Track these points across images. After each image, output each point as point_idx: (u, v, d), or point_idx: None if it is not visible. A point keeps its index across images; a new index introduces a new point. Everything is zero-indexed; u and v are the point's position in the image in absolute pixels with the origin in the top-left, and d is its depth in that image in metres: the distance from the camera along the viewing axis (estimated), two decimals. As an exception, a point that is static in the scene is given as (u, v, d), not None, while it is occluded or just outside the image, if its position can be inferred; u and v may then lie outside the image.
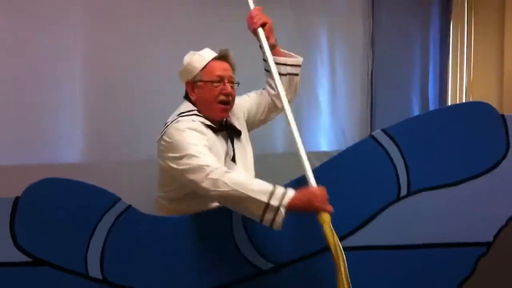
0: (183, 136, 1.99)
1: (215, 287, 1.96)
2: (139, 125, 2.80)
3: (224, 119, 2.20)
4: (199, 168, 1.88)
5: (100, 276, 1.89)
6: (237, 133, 2.21)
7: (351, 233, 2.01)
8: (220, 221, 1.97)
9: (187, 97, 2.21)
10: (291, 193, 1.83)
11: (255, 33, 2.21)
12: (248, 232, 1.97)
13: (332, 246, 1.82)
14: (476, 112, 2.09)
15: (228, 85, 2.14)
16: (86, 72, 2.78)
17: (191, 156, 1.93)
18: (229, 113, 2.23)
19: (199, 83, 2.15)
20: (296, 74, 2.36)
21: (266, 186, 1.84)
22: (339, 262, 1.81)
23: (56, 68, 2.72)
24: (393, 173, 2.04)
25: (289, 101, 2.23)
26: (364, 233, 1.99)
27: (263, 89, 2.40)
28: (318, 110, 3.37)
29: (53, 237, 1.87)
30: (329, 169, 2.01)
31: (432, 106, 3.87)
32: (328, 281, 2.00)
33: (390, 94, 3.67)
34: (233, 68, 2.21)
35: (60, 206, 1.88)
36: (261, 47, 2.23)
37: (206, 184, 1.86)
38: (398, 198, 2.03)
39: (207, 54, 2.18)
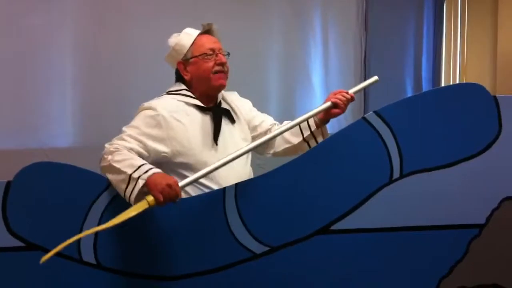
0: (138, 114, 2.08)
1: (209, 270, 1.96)
2: (131, 107, 2.77)
3: (219, 101, 2.19)
4: (116, 138, 1.99)
5: (94, 261, 1.90)
6: (231, 116, 2.20)
7: (343, 216, 2.01)
8: (214, 204, 1.97)
9: (179, 79, 2.20)
10: (158, 171, 1.85)
11: (333, 116, 2.16)
12: (242, 215, 1.97)
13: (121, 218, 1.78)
14: (468, 93, 2.09)
15: (221, 56, 2.14)
16: (77, 54, 2.75)
17: (122, 133, 2.02)
18: (227, 99, 2.22)
19: (192, 60, 2.14)
20: (309, 146, 2.24)
21: (138, 162, 1.88)
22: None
23: (46, 49, 2.69)
24: (385, 155, 2.03)
25: (280, 156, 2.28)
26: (356, 216, 1.99)
27: (276, 124, 2.33)
28: (312, 92, 3.36)
29: (46, 221, 1.87)
30: (320, 151, 2.01)
31: (425, 88, 3.87)
32: (322, 264, 2.02)
33: (383, 75, 3.65)
34: (219, 40, 2.21)
35: (53, 190, 1.88)
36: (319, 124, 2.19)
37: (103, 153, 1.95)
38: (391, 181, 2.03)
39: (191, 31, 2.18)
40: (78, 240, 1.87)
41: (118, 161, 1.87)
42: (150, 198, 1.79)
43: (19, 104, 2.66)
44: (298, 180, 2.00)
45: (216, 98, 2.20)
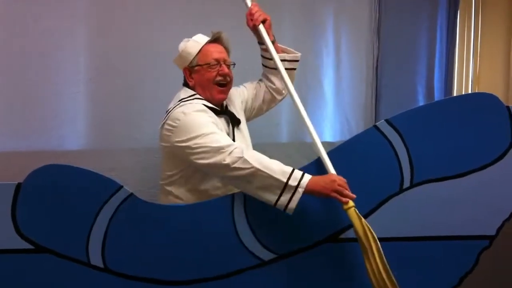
0: (191, 117, 2.02)
1: (216, 276, 1.96)
2: (144, 111, 2.78)
3: (225, 105, 2.21)
4: (218, 148, 1.92)
5: (101, 264, 1.90)
6: (236, 121, 2.22)
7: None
8: (222, 211, 1.97)
9: (186, 84, 2.23)
10: (308, 175, 1.88)
11: (255, 29, 2.23)
12: (250, 221, 1.97)
13: (360, 231, 1.86)
14: (481, 103, 2.07)
15: (224, 66, 2.17)
16: (89, 57, 2.76)
17: (205, 135, 1.96)
18: (228, 101, 2.24)
19: (196, 68, 2.17)
20: (293, 69, 2.37)
21: (285, 167, 1.89)
22: (371, 246, 1.84)
23: (57, 52, 2.70)
24: (396, 164, 2.03)
25: (285, 96, 2.38)
26: (366, 225, 1.98)
27: (260, 80, 2.44)
28: (323, 100, 3.34)
29: (55, 224, 1.88)
30: (331, 159, 2.00)
31: (437, 97, 3.83)
32: (330, 272, 2.01)
33: (395, 84, 3.64)
34: (227, 49, 2.24)
35: (62, 192, 1.89)
36: (259, 43, 2.29)
37: (227, 163, 1.89)
38: (401, 190, 2.02)
39: (200, 39, 2.20)
40: (87, 243, 1.87)
41: (265, 165, 1.87)
42: (348, 204, 1.87)
43: (31, 106, 2.66)
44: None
45: (222, 103, 2.23)
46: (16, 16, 2.62)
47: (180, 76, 2.26)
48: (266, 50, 2.22)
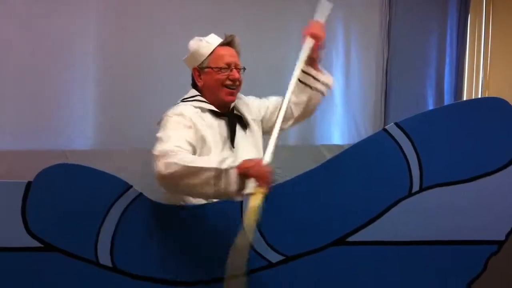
0: (167, 121, 2.04)
1: (224, 278, 1.96)
2: (152, 111, 2.79)
3: (231, 107, 2.21)
4: (160, 153, 1.88)
5: (110, 264, 1.90)
6: (244, 124, 2.22)
7: (361, 227, 1.99)
8: (231, 211, 1.97)
9: (194, 85, 2.23)
10: (239, 160, 1.82)
11: (319, 41, 2.19)
12: (258, 223, 1.97)
13: (250, 219, 1.77)
14: (491, 107, 2.06)
15: (235, 71, 2.17)
16: (98, 57, 2.78)
17: (159, 140, 1.96)
18: (241, 104, 2.24)
19: (206, 70, 2.17)
20: (322, 94, 2.34)
21: (216, 158, 1.86)
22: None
23: (67, 52, 2.71)
24: (405, 168, 2.02)
25: (303, 118, 2.35)
26: (374, 228, 1.97)
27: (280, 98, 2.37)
28: (332, 103, 3.35)
29: (64, 223, 1.89)
30: (340, 162, 1.99)
31: (447, 101, 3.83)
32: (337, 275, 2.01)
33: (405, 87, 3.64)
34: (238, 53, 2.23)
35: (72, 192, 1.89)
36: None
37: (159, 168, 1.84)
38: (410, 194, 2.01)
39: (213, 40, 2.19)
40: (96, 243, 1.88)
41: (192, 161, 1.82)
42: (260, 188, 1.75)
43: (41, 106, 2.68)
44: (316, 190, 1.99)
45: (229, 105, 2.22)
46: (26, 16, 2.63)
47: (189, 79, 2.26)
48: (317, 71, 2.25)
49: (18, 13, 2.61)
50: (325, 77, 2.32)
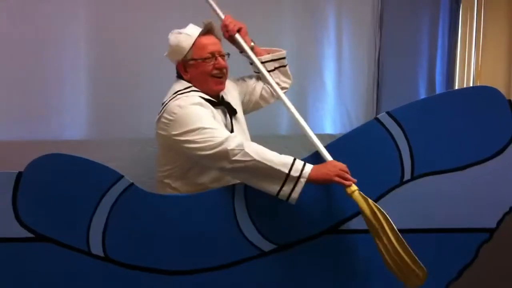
0: (188, 110, 2.00)
1: (217, 266, 1.97)
2: (144, 101, 2.78)
3: (221, 96, 2.20)
4: (217, 140, 1.91)
5: (102, 254, 1.90)
6: (233, 111, 2.21)
7: (352, 216, 2.00)
8: (223, 201, 1.97)
9: (180, 77, 2.20)
10: (310, 165, 1.89)
11: (233, 40, 2.27)
12: (250, 212, 1.97)
13: (367, 212, 1.86)
14: (482, 96, 2.07)
15: (220, 59, 2.15)
16: (90, 44, 2.75)
17: (203, 129, 1.95)
18: (225, 91, 2.22)
19: (191, 62, 2.14)
20: (284, 66, 2.41)
21: (286, 158, 1.90)
22: (382, 224, 1.84)
23: (58, 39, 2.69)
24: (397, 157, 2.03)
25: (288, 88, 2.42)
26: (366, 217, 1.98)
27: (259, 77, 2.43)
28: (324, 92, 3.34)
29: (56, 213, 1.88)
30: (332, 151, 2.00)
31: (439, 90, 3.83)
32: (330, 263, 2.01)
33: (397, 76, 3.63)
34: (219, 39, 2.22)
35: (63, 182, 1.89)
36: (241, 52, 2.30)
37: (227, 156, 1.89)
38: (401, 182, 2.02)
39: (192, 31, 2.16)
40: (87, 232, 1.88)
41: (266, 159, 1.88)
42: (350, 188, 1.89)
43: (31, 95, 2.65)
44: (308, 179, 1.99)
45: (219, 94, 2.21)
46: (15, 2, 2.60)
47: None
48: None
49: (6, 1, 2.58)
50: (276, 54, 2.38)
